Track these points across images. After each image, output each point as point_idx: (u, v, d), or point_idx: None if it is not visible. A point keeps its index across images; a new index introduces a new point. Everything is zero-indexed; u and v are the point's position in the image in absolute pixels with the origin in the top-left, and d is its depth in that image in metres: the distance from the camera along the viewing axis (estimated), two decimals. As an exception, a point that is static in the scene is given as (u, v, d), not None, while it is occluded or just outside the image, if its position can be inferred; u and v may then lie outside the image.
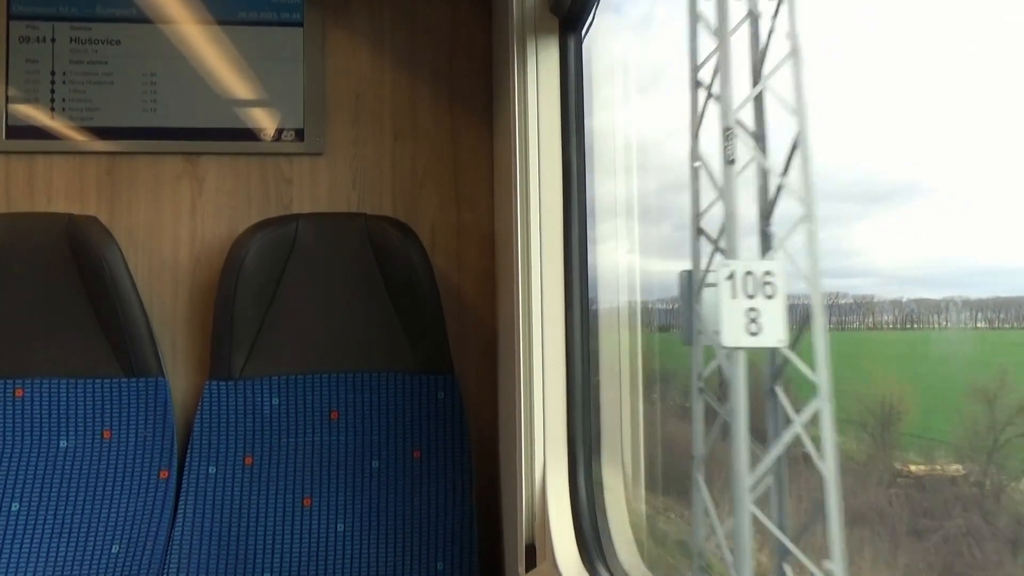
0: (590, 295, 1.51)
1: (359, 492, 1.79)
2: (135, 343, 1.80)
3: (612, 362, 1.56)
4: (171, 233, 1.99)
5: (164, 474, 1.77)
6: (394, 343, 1.86)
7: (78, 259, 1.78)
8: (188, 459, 1.78)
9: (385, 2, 2.08)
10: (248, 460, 1.79)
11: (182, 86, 2.00)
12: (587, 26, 1.48)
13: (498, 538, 1.89)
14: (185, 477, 1.77)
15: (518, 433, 1.47)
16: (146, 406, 1.80)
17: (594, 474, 1.46)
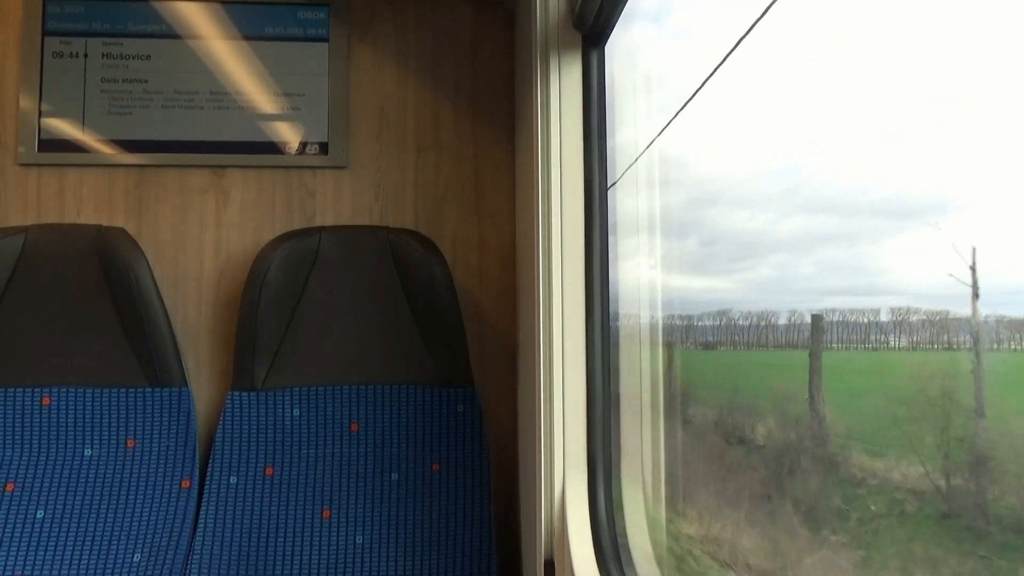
0: (611, 309, 1.51)
1: (378, 504, 1.79)
2: (160, 353, 1.82)
3: (633, 376, 1.55)
4: (196, 245, 2.02)
5: (186, 484, 1.79)
6: (415, 356, 1.87)
7: (106, 270, 1.81)
8: (210, 469, 1.79)
9: (409, 19, 2.10)
10: (269, 471, 1.80)
11: (209, 100, 2.03)
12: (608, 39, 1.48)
13: (517, 552, 1.88)
14: (207, 487, 1.78)
15: (538, 447, 1.46)
16: (169, 416, 1.82)
17: (614, 489, 1.45)
